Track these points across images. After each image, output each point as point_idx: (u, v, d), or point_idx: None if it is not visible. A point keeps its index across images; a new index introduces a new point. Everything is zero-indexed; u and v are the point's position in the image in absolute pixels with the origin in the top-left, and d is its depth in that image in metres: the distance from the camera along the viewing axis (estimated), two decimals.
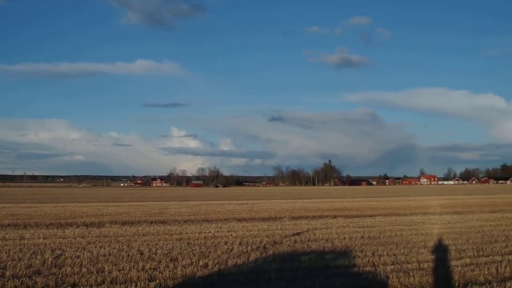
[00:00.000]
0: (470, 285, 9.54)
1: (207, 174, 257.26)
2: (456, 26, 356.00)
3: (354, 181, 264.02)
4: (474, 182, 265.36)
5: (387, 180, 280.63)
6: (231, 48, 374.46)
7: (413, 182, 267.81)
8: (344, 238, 16.99)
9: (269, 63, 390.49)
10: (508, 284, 9.29)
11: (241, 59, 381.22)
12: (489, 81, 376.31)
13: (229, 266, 11.98)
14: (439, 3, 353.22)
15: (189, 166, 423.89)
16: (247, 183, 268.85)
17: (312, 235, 18.07)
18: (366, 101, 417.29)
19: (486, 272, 10.71)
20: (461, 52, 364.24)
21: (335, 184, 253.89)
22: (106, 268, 11.47)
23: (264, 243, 16.04)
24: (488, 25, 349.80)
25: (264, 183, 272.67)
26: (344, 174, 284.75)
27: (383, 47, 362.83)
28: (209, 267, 11.75)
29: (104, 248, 14.70)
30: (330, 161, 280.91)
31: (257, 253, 13.94)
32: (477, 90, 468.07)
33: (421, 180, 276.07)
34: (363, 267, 11.71)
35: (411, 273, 10.59)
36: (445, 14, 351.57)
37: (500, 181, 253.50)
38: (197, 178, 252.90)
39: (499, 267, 11.09)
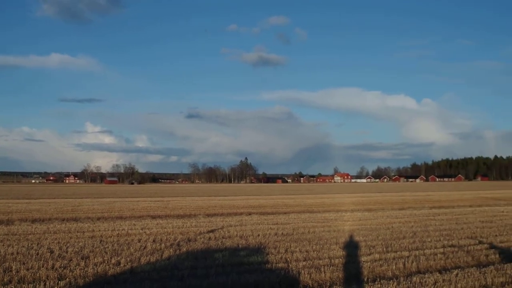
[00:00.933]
0: (378, 280, 9.96)
1: (122, 171, 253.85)
2: (370, 27, 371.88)
3: (270, 179, 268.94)
4: (385, 180, 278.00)
5: (302, 178, 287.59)
6: (149, 44, 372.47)
7: (327, 180, 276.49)
8: (258, 235, 17.24)
9: (187, 60, 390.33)
10: (414, 279, 9.77)
11: (159, 56, 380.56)
12: (401, 82, 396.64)
13: (142, 263, 11.87)
14: (354, 5, 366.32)
15: (104, 163, 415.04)
16: (163, 180, 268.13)
17: (226, 232, 18.21)
18: (282, 100, 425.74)
19: (394, 267, 11.25)
20: (375, 54, 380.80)
21: (251, 182, 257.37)
22: (14, 267, 11.06)
23: (178, 240, 16.06)
24: (400, 27, 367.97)
25: (180, 180, 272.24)
26: (260, 171, 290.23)
27: (300, 47, 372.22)
28: (121, 265, 11.59)
29: (12, 247, 14.21)
30: (246, 158, 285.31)
31: (171, 250, 13.90)
32: (389, 91, 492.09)
33: (335, 178, 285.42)
34: (276, 263, 11.91)
35: (322, 269, 10.93)
36: (360, 16, 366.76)
37: (410, 179, 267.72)
38: (111, 175, 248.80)
39: (406, 262, 11.67)
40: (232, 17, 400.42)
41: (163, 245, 14.88)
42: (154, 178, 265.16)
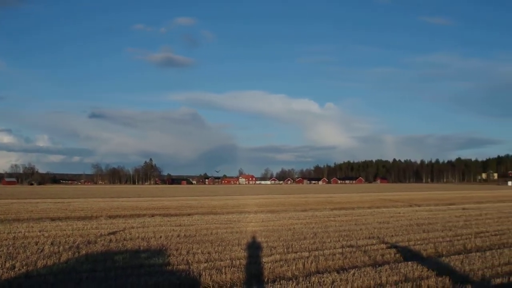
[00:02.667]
0: (278, 280, 10.18)
1: (21, 171, 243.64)
2: (276, 32, 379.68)
3: (175, 180, 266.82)
4: (289, 182, 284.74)
5: (207, 180, 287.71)
6: (52, 42, 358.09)
7: (232, 182, 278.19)
8: (161, 237, 17.16)
9: (92, 59, 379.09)
10: (313, 278, 10.09)
11: (63, 54, 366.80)
12: (305, 86, 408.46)
13: (38, 267, 11.48)
14: (260, 12, 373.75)
15: (2, 163, 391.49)
16: (64, 181, 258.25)
17: (128, 234, 17.99)
18: (188, 101, 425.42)
19: (294, 267, 11.55)
20: (280, 58, 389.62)
21: (156, 183, 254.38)
22: None
23: (77, 242, 15.68)
24: (304, 32, 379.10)
25: (82, 181, 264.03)
26: (165, 173, 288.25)
27: (207, 48, 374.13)
28: (16, 269, 11.16)
29: None
30: (151, 159, 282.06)
31: (70, 253, 13.56)
32: (294, 94, 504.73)
33: (240, 179, 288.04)
34: (177, 265, 11.90)
35: (223, 270, 11.02)
36: (266, 21, 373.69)
37: (313, 182, 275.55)
38: (10, 175, 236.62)
39: (306, 263, 12.01)
40: (138, 16, 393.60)
41: (61, 247, 14.49)
42: (55, 179, 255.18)
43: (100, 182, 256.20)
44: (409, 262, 11.93)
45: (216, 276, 10.60)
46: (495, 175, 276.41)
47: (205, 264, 11.94)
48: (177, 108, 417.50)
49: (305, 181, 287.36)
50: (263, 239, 16.62)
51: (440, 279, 10.14)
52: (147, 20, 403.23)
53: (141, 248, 14.69)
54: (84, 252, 13.82)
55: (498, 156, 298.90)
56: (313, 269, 11.55)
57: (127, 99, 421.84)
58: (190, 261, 12.41)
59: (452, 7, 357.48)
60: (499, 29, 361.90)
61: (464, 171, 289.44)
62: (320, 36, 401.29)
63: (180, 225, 21.72)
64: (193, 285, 10.06)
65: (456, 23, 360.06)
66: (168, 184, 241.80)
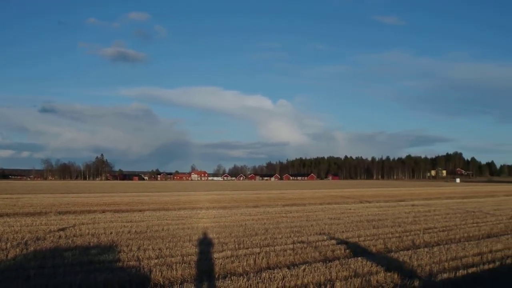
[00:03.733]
0: (229, 276, 10.20)
1: None
2: (229, 28, 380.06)
3: (126, 176, 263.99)
4: (241, 178, 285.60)
5: (159, 175, 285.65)
6: (2, 36, 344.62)
7: (184, 178, 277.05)
8: (111, 233, 16.95)
9: (42, 53, 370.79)
10: (264, 274, 10.14)
11: (12, 47, 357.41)
12: (258, 83, 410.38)
13: None
14: (212, 8, 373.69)
15: None
16: (13, 177, 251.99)
17: (78, 230, 17.69)
18: (141, 97, 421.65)
19: (245, 263, 11.58)
20: (233, 54, 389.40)
21: (107, 179, 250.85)
22: None
23: (26, 239, 15.34)
24: (257, 28, 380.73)
25: (32, 176, 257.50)
26: (117, 168, 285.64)
27: (160, 44, 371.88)
28: None
29: None
30: (102, 155, 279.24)
31: (17, 250, 13.24)
32: (247, 91, 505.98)
33: (192, 175, 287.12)
34: (128, 261, 11.78)
35: (174, 267, 10.96)
36: (219, 17, 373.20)
37: (265, 178, 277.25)
38: None
39: (256, 259, 12.07)
40: (91, 11, 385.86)
41: (9, 244, 14.14)
42: (4, 174, 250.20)
43: (50, 178, 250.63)
44: (359, 258, 12.12)
45: (167, 272, 10.53)
46: (444, 172, 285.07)
47: (156, 261, 11.85)
48: (129, 104, 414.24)
49: (257, 177, 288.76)
50: (214, 235, 16.62)
51: (389, 274, 10.37)
52: (100, 15, 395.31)
53: (91, 244, 14.47)
54: (32, 248, 13.53)
55: (447, 154, 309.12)
56: (264, 265, 11.62)
57: (78, 94, 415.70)
58: (140, 257, 12.30)
59: (403, 6, 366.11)
60: (449, 29, 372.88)
61: (414, 168, 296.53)
62: (273, 33, 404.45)
63: (131, 221, 21.44)
64: (143, 281, 9.96)
65: (407, 23, 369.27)
66: (120, 180, 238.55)
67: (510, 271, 10.99)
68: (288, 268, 10.92)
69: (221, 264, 11.48)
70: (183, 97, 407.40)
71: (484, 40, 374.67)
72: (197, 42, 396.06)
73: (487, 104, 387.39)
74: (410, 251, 13.45)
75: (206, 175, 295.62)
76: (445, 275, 10.49)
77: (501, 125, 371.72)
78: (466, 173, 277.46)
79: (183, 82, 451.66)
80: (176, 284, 9.67)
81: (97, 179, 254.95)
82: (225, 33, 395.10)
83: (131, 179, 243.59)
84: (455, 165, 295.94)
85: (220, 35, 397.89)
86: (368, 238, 16.24)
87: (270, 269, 11.02)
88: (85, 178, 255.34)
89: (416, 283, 9.79)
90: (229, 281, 9.55)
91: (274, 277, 9.91)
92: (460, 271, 10.86)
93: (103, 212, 27.37)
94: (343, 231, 17.94)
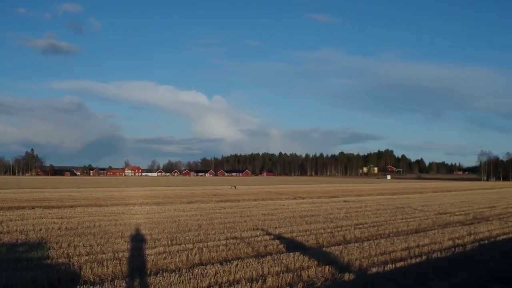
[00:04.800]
0: (161, 272, 10.06)
1: None
2: (163, 23, 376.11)
3: (58, 171, 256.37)
4: (176, 174, 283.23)
5: (92, 171, 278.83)
6: None
7: (117, 173, 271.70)
8: (40, 230, 16.48)
9: None
10: (196, 270, 10.08)
11: None
12: (193, 78, 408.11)
13: None
14: (148, 2, 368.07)
15: None
16: None
17: (5, 227, 17.08)
18: (73, 90, 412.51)
19: (177, 259, 11.48)
20: (168, 49, 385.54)
21: (37, 174, 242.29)
22: None
23: None
24: (192, 24, 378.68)
25: None
26: (48, 163, 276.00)
27: (94, 37, 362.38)
28: None
29: None
30: (32, 150, 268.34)
31: None
32: (182, 86, 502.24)
33: (125, 171, 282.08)
34: (57, 258, 11.46)
35: (105, 263, 10.73)
36: (154, 12, 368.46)
37: (200, 174, 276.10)
38: None
39: (189, 255, 11.99)
40: (20, 0, 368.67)
41: None
42: None
43: None
44: (291, 253, 12.25)
45: (98, 269, 10.30)
46: (375, 169, 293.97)
47: (86, 257, 11.56)
48: (61, 97, 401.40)
49: (192, 173, 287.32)
50: (147, 231, 16.40)
51: (320, 269, 10.53)
52: (31, 4, 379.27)
53: (19, 241, 14.00)
54: None
55: (379, 151, 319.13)
56: (196, 261, 11.57)
57: (7, 86, 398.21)
58: (70, 254, 11.97)
59: (336, 5, 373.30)
60: (380, 30, 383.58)
61: (346, 165, 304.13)
62: (209, 29, 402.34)
63: (61, 217, 20.83)
64: (73, 278, 9.68)
65: (340, 22, 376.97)
66: (51, 175, 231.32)
67: (436, 265, 11.40)
68: (221, 264, 10.92)
69: (153, 260, 11.33)
70: (117, 91, 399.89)
71: (415, 41, 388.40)
72: (132, 36, 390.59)
73: (418, 103, 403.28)
74: (341, 246, 13.72)
75: (140, 170, 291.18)
76: (374, 269, 10.76)
77: (430, 124, 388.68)
78: (396, 170, 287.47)
79: (117, 76, 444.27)
80: (107, 281, 9.43)
81: (27, 174, 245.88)
82: (160, 28, 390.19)
83: (63, 175, 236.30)
84: (386, 162, 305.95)
85: (155, 29, 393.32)
86: (301, 233, 16.46)
87: (203, 265, 10.99)
88: (14, 174, 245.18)
89: (347, 277, 9.97)
90: (161, 278, 9.43)
91: (207, 273, 9.87)
92: (389, 265, 11.16)
93: (33, 208, 26.41)
94: (276, 227, 18.09)
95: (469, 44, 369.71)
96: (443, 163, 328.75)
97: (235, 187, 60.24)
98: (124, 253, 12.28)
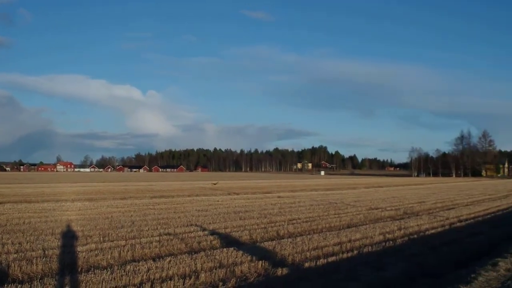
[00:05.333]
0: (93, 269, 9.88)
1: None
2: (97, 17, 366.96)
3: None
4: (109, 169, 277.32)
5: (22, 166, 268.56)
6: None
7: (49, 169, 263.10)
8: None
9: None
10: (128, 267, 9.96)
11: None
12: (127, 73, 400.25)
13: None
14: None
15: None
16: None
17: None
18: (2, 83, 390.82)
19: (109, 256, 11.31)
20: (101, 42, 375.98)
21: None
22: None
23: None
24: (125, 18, 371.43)
25: None
26: None
27: (25, 29, 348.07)
28: None
29: None
30: None
31: None
32: (115, 80, 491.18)
33: (57, 167, 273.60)
34: None
35: (34, 261, 10.42)
36: (87, 4, 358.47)
37: (134, 169, 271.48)
38: None
39: (121, 251, 11.83)
40: None
41: None
42: None
43: None
44: (225, 249, 12.30)
45: (27, 267, 10.00)
46: (309, 165, 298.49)
47: (15, 255, 11.19)
48: None
49: (125, 169, 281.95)
50: (79, 228, 16.03)
51: (253, 264, 10.62)
52: None
53: None
54: None
55: (313, 147, 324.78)
56: (129, 258, 11.44)
57: None
58: None
59: (273, 3, 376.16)
60: (316, 27, 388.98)
61: (281, 161, 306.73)
62: (144, 23, 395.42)
63: None
64: (1, 277, 9.37)
65: (276, 19, 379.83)
66: None
67: (367, 259, 11.71)
68: (154, 260, 10.85)
69: (84, 257, 11.11)
70: (49, 85, 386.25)
71: (348, 39, 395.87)
72: (64, 29, 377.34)
73: (351, 100, 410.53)
74: (274, 241, 13.84)
75: (73, 166, 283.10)
76: (307, 264, 10.94)
77: (363, 121, 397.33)
78: (330, 166, 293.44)
79: (48, 69, 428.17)
80: (36, 279, 9.18)
81: None
82: (94, 21, 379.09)
83: None
84: (320, 159, 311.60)
85: (88, 22, 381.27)
86: (235, 229, 16.51)
87: (135, 261, 10.88)
88: None
89: (279, 272, 10.08)
90: (92, 275, 9.27)
91: (139, 269, 9.79)
92: (321, 260, 11.37)
93: None
94: (210, 223, 18.08)
95: (400, 42, 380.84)
96: (375, 159, 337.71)
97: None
98: (55, 250, 11.97)
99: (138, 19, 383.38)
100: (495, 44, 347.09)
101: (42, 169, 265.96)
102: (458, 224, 19.02)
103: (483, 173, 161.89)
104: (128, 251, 11.99)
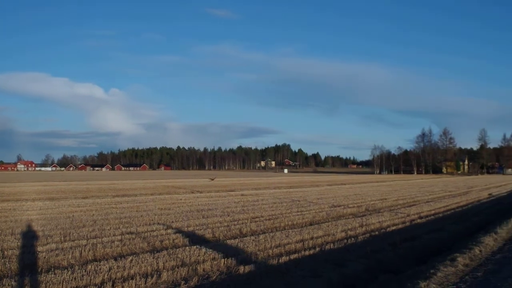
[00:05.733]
0: (53, 269, 9.73)
1: None
2: (58, 14, 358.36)
3: None
4: (71, 168, 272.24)
5: None
6: None
7: (9, 168, 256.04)
8: None
9: None
10: (90, 267, 9.86)
11: None
12: (89, 71, 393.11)
13: None
14: None
15: None
16: None
17: None
18: None
19: (70, 256, 11.16)
20: (62, 40, 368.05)
21: None
22: None
23: None
24: (87, 15, 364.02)
25: None
26: None
27: None
28: None
29: None
30: None
31: None
32: (77, 78, 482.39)
33: (18, 166, 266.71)
34: None
35: None
36: (48, 2, 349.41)
37: (97, 168, 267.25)
38: None
39: (83, 251, 11.68)
40: None
41: None
42: None
43: None
44: (187, 247, 12.28)
45: None
46: (273, 163, 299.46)
47: None
48: None
49: (88, 167, 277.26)
50: (39, 227, 15.75)
51: (215, 262, 10.63)
52: None
53: None
54: None
55: (276, 145, 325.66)
56: (90, 257, 11.30)
57: None
58: None
59: (237, 1, 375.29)
60: (280, 25, 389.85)
61: (244, 159, 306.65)
62: (105, 21, 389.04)
63: None
64: None
65: (240, 17, 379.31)
66: None
67: (329, 256, 11.81)
68: (115, 259, 10.75)
69: (45, 257, 10.94)
70: (9, 83, 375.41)
71: (311, 38, 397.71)
72: (24, 26, 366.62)
73: (314, 98, 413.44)
74: (237, 239, 13.87)
75: (34, 165, 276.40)
76: (269, 262, 10.98)
77: (326, 119, 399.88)
78: (293, 164, 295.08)
79: (8, 66, 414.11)
80: None
81: None
82: (56, 19, 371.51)
83: None
84: (283, 156, 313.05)
85: (50, 20, 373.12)
86: (198, 227, 16.45)
87: (97, 261, 10.76)
88: None
89: (242, 270, 10.10)
90: (53, 275, 9.14)
91: (100, 269, 9.70)
92: (284, 257, 11.42)
93: None
94: (173, 221, 17.98)
95: (363, 40, 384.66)
96: (338, 157, 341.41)
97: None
98: (14, 250, 11.75)
99: (101, 17, 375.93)
100: (456, 43, 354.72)
101: (2, 168, 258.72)
102: (419, 220, 19.38)
103: (444, 170, 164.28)
104: (89, 250, 11.85)
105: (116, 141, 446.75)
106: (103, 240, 13.38)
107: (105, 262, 10.44)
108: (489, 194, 37.42)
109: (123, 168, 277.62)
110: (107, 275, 9.36)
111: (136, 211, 21.87)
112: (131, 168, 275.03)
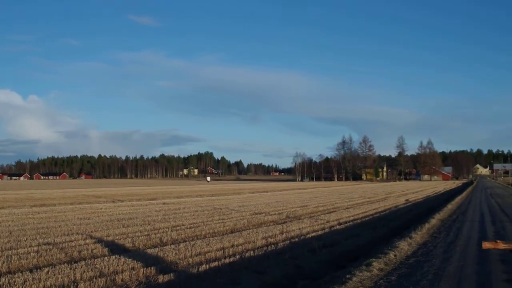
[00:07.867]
0: None
1: None
2: None
3: None
4: None
5: None
6: None
7: None
8: None
9: None
10: (3, 280, 9.29)
11: None
12: (6, 76, 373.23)
13: None
14: None
15: None
16: None
17: None
18: None
19: None
20: None
21: None
22: None
23: None
24: (8, 18, 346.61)
25: None
26: None
27: None
28: None
29: None
30: None
31: None
32: None
33: None
34: None
35: None
36: None
37: (14, 177, 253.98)
38: None
39: None
40: None
41: None
42: None
43: None
44: (106, 257, 11.91)
45: None
46: (196, 171, 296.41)
47: None
48: None
49: (5, 176, 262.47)
50: None
51: (134, 272, 10.36)
52: None
53: None
54: None
55: (199, 153, 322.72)
56: (4, 270, 10.65)
57: None
58: None
59: (159, 8, 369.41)
60: (201, 33, 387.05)
61: (167, 167, 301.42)
62: (22, 25, 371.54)
63: None
64: None
65: (162, 25, 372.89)
66: None
67: (249, 264, 11.78)
68: (31, 271, 10.19)
69: None
70: None
71: (232, 46, 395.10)
72: None
73: (236, 106, 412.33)
74: (157, 248, 13.59)
75: None
76: (189, 270, 10.82)
77: (248, 127, 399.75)
78: (216, 172, 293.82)
79: None
80: None
81: None
82: None
83: None
84: (206, 164, 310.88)
85: None
86: (117, 237, 16.00)
87: (11, 273, 10.17)
88: None
89: (161, 279, 9.90)
90: None
91: (15, 281, 9.17)
92: (204, 265, 11.28)
93: None
94: (92, 231, 17.40)
95: (283, 49, 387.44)
96: (260, 164, 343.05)
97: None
98: None
99: (19, 21, 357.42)
100: (376, 52, 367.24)
101: None
102: (338, 226, 19.76)
103: (363, 176, 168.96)
104: (3, 262, 11.18)
105: (35, 149, 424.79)
106: (19, 252, 12.68)
107: (20, 274, 9.88)
108: (406, 200, 39.00)
109: (42, 177, 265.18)
110: (22, 287, 8.83)
111: (55, 221, 20.94)
112: (51, 177, 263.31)
